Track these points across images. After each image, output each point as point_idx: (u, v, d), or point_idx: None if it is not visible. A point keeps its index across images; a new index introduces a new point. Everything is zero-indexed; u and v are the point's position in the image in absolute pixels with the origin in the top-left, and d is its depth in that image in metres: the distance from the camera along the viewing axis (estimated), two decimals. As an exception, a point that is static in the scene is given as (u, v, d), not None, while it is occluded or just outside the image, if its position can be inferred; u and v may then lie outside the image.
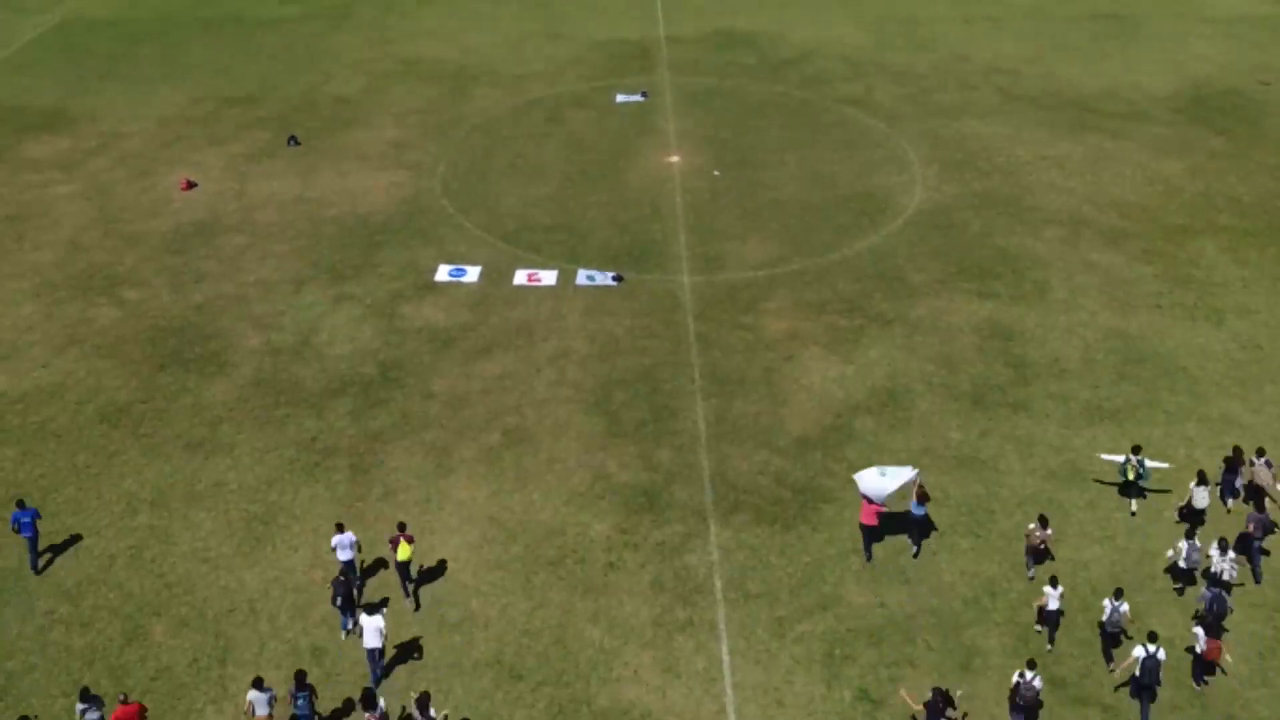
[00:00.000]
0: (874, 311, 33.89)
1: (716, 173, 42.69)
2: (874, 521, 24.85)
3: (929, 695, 20.42)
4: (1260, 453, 25.79)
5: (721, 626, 23.47)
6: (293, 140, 45.62)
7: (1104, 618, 22.24)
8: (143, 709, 20.60)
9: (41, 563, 25.08)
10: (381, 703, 20.25)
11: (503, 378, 31.10)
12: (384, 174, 42.94)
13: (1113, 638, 22.51)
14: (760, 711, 21.65)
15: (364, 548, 25.31)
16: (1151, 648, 20.94)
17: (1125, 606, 22.11)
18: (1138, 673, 21.05)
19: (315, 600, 24.09)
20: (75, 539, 25.80)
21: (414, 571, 24.62)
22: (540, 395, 30.37)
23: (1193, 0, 63.24)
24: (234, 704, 21.78)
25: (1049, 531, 24.33)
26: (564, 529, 25.95)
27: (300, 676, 20.79)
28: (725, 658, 22.76)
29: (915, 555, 25.15)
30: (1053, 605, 22.52)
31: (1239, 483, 25.99)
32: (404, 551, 23.73)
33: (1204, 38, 57.11)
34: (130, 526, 26.15)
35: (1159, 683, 21.05)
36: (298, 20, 61.49)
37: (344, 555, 23.90)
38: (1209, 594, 22.27)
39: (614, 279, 35.36)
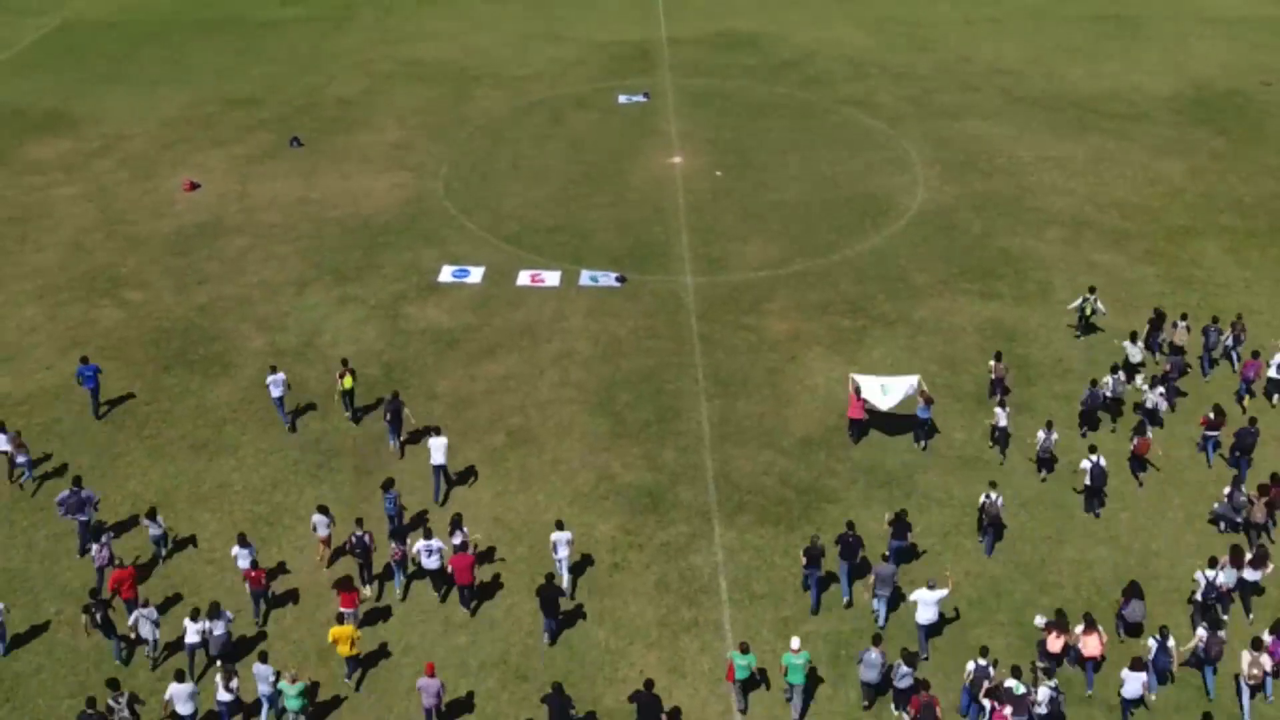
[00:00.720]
0: (877, 312, 33.92)
1: (718, 173, 42.74)
2: (860, 415, 28.26)
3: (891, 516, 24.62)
4: (1183, 317, 31.20)
5: (726, 627, 23.49)
6: (295, 142, 45.67)
7: (1038, 446, 27.02)
8: (135, 572, 23.70)
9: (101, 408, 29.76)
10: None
11: (506, 379, 31.12)
12: (386, 175, 42.98)
13: (1046, 463, 27.12)
14: (766, 712, 21.67)
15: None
16: (1095, 458, 25.65)
17: (1055, 435, 26.89)
18: (1089, 480, 25.66)
19: (321, 602, 24.11)
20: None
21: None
22: (544, 396, 30.39)
23: (1193, 1, 63.33)
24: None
25: (1003, 364, 29.49)
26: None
27: (389, 482, 25.09)
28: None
29: (924, 449, 28.43)
30: (1001, 423, 27.58)
31: (1161, 338, 31.41)
32: (347, 382, 28.82)
33: (1205, 39, 57.20)
34: (135, 528, 26.14)
35: (1105, 484, 25.76)
36: (300, 22, 61.56)
37: (276, 391, 28.78)
38: (1086, 393, 28.39)
39: (617, 279, 35.40)
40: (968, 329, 33.04)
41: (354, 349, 32.38)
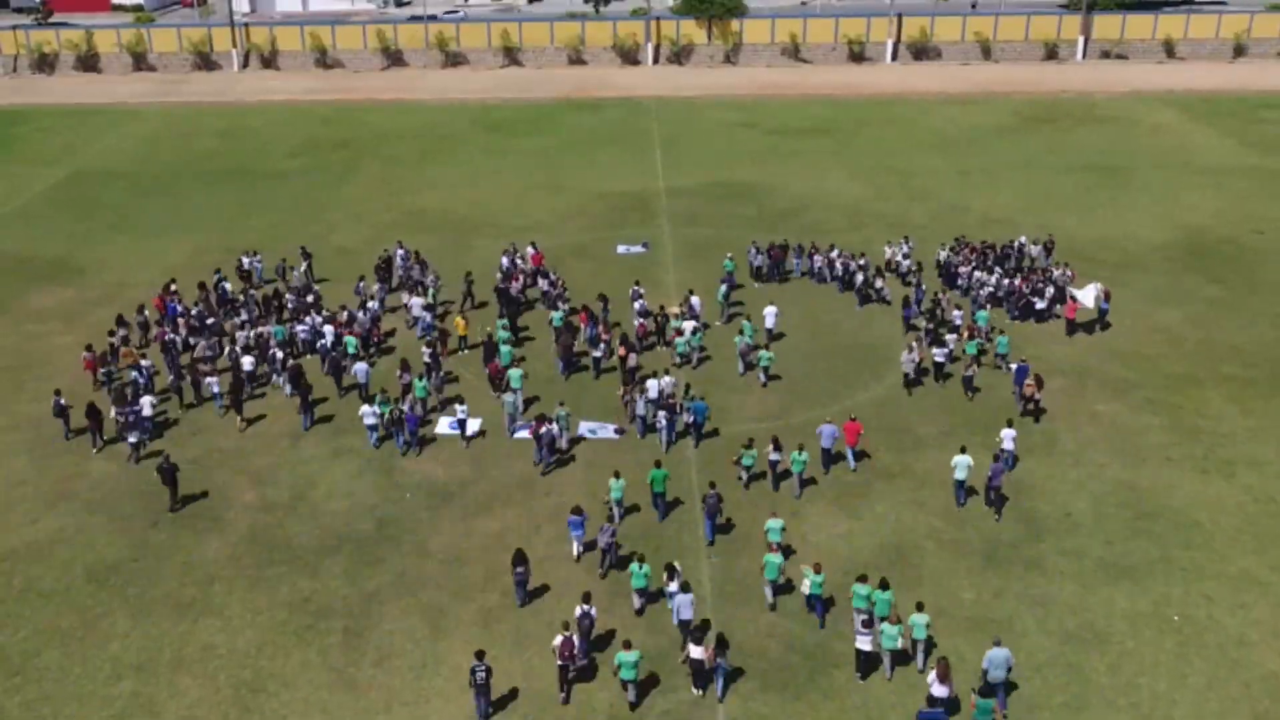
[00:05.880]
0: (879, 465, 33.38)
1: (717, 323, 42.75)
2: (1073, 315, 41.59)
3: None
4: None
5: (730, 804, 22.29)
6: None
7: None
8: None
9: None
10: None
11: (502, 534, 30.35)
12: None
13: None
14: None
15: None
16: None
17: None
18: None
19: None
20: (56, 710, 24.73)
21: None
22: (540, 553, 29.55)
23: (1179, 151, 64.78)
24: None
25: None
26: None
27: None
28: (735, 839, 21.52)
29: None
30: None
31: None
32: (460, 326, 40.63)
33: (1193, 188, 58.23)
34: (113, 695, 25.07)
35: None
36: (304, 173, 62.79)
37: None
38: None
39: (616, 430, 35.09)
40: (973, 482, 32.41)
41: (347, 503, 31.75)
